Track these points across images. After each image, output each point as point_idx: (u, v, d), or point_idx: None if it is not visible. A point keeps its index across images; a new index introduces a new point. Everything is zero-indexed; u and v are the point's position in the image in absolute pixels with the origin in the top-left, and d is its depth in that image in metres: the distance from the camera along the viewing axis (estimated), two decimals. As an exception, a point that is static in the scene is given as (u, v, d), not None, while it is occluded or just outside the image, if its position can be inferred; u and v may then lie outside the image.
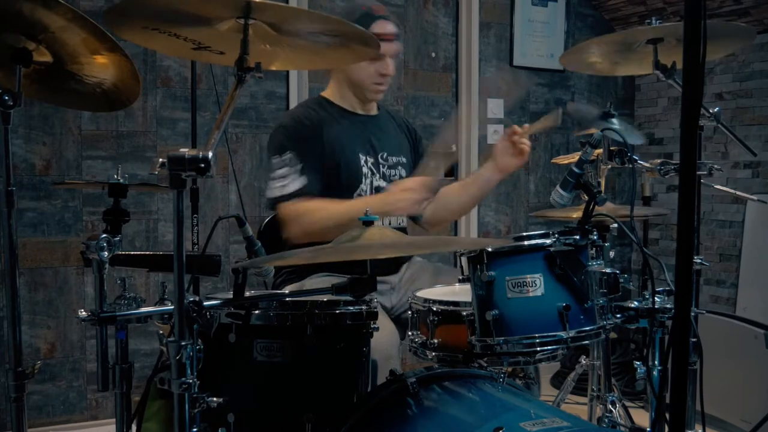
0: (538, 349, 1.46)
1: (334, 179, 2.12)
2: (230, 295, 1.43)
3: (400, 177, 2.23)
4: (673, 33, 1.80)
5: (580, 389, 2.74)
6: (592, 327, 1.47)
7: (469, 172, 3.88)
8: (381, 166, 2.22)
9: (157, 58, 3.11)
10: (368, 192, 2.16)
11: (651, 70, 1.85)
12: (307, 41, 1.47)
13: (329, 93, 2.27)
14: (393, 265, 2.22)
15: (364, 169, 2.17)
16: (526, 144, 2.10)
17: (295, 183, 2.04)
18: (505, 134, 2.13)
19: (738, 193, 2.62)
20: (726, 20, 3.59)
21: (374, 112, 2.31)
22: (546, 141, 4.13)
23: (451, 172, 3.95)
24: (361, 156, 2.18)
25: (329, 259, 1.92)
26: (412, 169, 2.27)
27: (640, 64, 1.97)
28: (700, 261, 1.89)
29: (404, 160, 2.28)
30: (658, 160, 1.90)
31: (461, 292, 1.76)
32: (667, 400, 1.01)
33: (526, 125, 2.12)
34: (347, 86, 2.22)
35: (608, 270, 1.52)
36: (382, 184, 2.20)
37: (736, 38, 1.99)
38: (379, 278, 2.06)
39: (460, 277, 1.70)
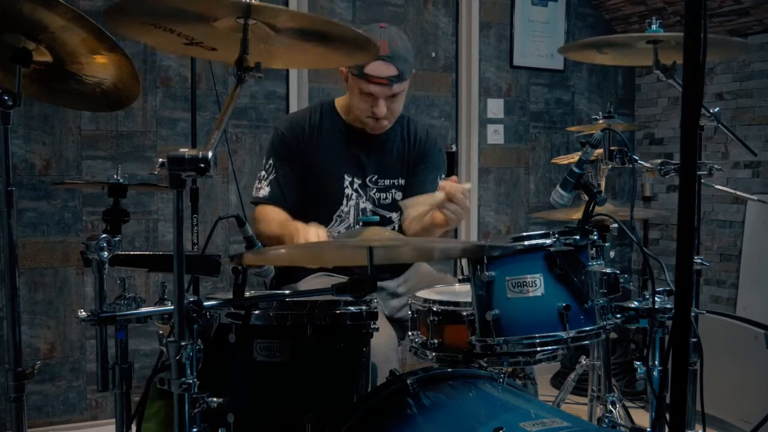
0: (539, 349, 1.46)
1: (316, 197, 2.13)
2: (230, 295, 1.42)
3: (393, 200, 2.20)
4: (672, 36, 1.80)
5: (580, 389, 2.74)
6: (592, 327, 1.47)
7: (469, 172, 3.88)
8: (369, 188, 2.18)
9: (157, 58, 3.11)
10: (351, 213, 2.16)
11: (651, 63, 1.84)
12: (305, 42, 1.47)
13: (340, 102, 2.23)
14: (391, 271, 2.21)
15: (348, 191, 2.16)
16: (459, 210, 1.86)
17: (264, 190, 2.15)
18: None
19: (738, 193, 2.62)
20: (726, 20, 3.59)
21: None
22: (546, 141, 4.13)
23: (452, 171, 3.95)
24: (346, 177, 2.16)
25: (328, 261, 1.93)
26: (410, 192, 2.19)
27: (640, 59, 1.97)
28: (700, 261, 1.88)
29: (401, 182, 2.22)
30: (659, 160, 1.90)
31: (461, 292, 1.76)
32: (668, 401, 1.01)
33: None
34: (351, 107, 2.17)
35: (608, 270, 1.52)
36: (369, 206, 2.18)
37: (733, 50, 1.98)
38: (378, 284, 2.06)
39: (460, 277, 1.70)
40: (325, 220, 2.12)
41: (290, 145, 2.14)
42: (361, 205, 2.17)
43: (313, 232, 1.84)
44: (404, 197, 2.20)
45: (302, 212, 2.10)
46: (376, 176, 2.19)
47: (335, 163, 2.16)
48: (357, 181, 2.17)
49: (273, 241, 2.02)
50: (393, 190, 2.22)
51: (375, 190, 2.19)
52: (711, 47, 1.87)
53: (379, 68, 2.00)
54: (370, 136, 2.19)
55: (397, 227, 2.22)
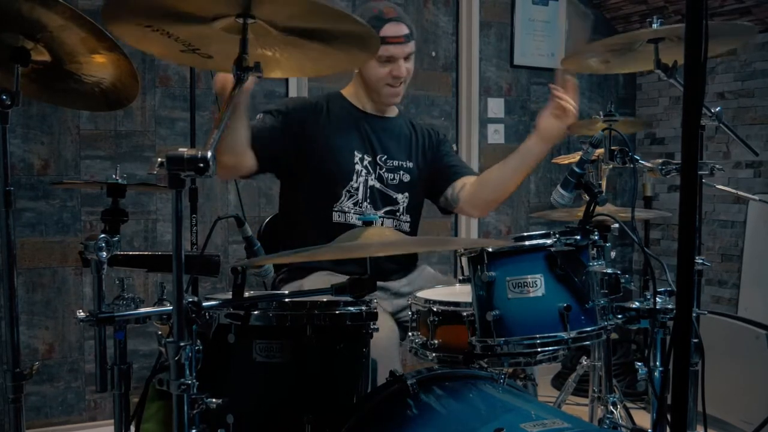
0: (539, 349, 1.46)
1: (326, 171, 2.14)
2: (229, 295, 1.42)
3: (401, 182, 2.24)
4: (674, 32, 1.79)
5: (581, 390, 2.73)
6: (593, 327, 1.47)
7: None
8: (378, 167, 2.21)
9: (156, 57, 3.11)
10: (360, 190, 2.17)
11: (652, 67, 1.83)
12: (305, 42, 1.45)
13: (346, 90, 2.29)
14: (395, 271, 2.22)
15: (358, 167, 2.18)
16: (567, 101, 1.96)
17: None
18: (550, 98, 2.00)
19: (740, 193, 2.61)
20: (727, 19, 3.58)
21: (390, 114, 2.29)
22: (546, 141, 4.12)
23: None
24: (356, 153, 2.18)
25: (328, 257, 1.93)
26: (418, 176, 2.28)
27: (641, 62, 1.96)
28: (701, 261, 1.88)
29: (410, 165, 2.26)
30: (660, 160, 1.89)
31: (461, 293, 1.75)
32: (669, 401, 1.00)
33: (566, 76, 1.96)
34: (363, 88, 2.23)
35: (609, 270, 1.52)
36: (377, 185, 2.20)
37: (737, 37, 1.97)
38: (381, 284, 2.07)
39: (461, 278, 1.69)
40: (334, 195, 2.16)
41: (292, 116, 2.15)
42: (370, 183, 2.19)
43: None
44: (430, 180, 2.29)
45: (313, 188, 2.16)
46: (386, 156, 2.23)
47: (345, 140, 2.19)
48: (367, 158, 2.20)
49: (224, 141, 1.89)
50: (401, 172, 2.25)
51: (384, 169, 2.23)
52: (717, 37, 1.86)
53: (393, 29, 2.11)
54: (380, 119, 2.26)
55: (402, 208, 2.25)
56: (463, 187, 2.26)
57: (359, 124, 2.23)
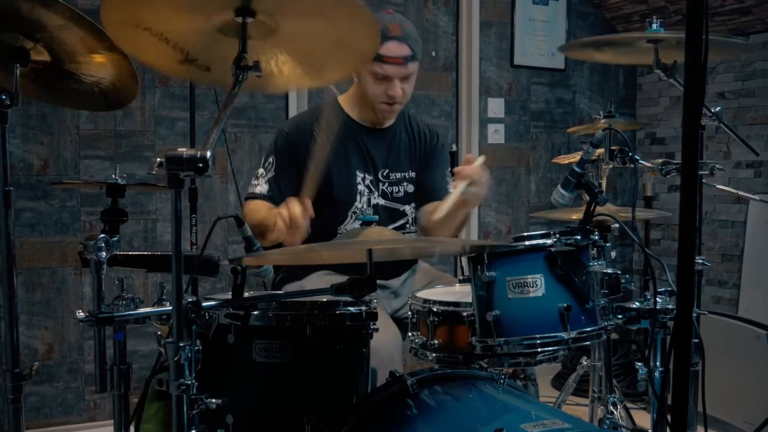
0: (539, 350, 1.46)
1: (330, 196, 2.11)
2: (229, 295, 1.42)
3: (405, 193, 2.22)
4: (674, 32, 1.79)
5: (581, 390, 2.73)
6: (593, 328, 1.47)
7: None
8: (381, 183, 2.19)
9: (157, 57, 3.10)
10: (364, 210, 2.16)
11: (651, 62, 1.83)
12: (303, 44, 1.45)
13: (344, 99, 2.24)
14: (394, 270, 2.21)
15: (360, 187, 2.16)
16: (468, 186, 1.85)
17: (261, 187, 2.12)
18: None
19: (740, 193, 2.61)
20: (728, 19, 3.58)
21: (387, 123, 2.23)
22: (547, 141, 4.12)
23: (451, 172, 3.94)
24: (358, 174, 2.16)
25: (326, 255, 1.93)
26: (418, 182, 2.24)
27: (641, 58, 1.95)
28: (702, 261, 1.88)
29: (412, 174, 2.24)
30: (660, 160, 1.89)
31: (461, 293, 1.75)
32: (669, 402, 1.00)
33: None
34: (361, 99, 2.18)
35: (609, 270, 1.51)
36: (381, 201, 2.19)
37: (733, 50, 1.97)
38: (380, 282, 2.06)
39: (461, 278, 1.69)
40: (340, 219, 2.14)
41: (296, 147, 2.10)
42: (373, 201, 2.17)
43: (292, 210, 1.77)
44: (416, 192, 2.23)
45: (316, 212, 2.10)
46: (387, 170, 2.21)
47: (347, 161, 2.16)
48: (368, 177, 2.18)
49: (255, 229, 1.90)
50: (404, 183, 2.23)
51: (387, 184, 2.20)
52: (711, 47, 1.87)
53: (393, 49, 2.04)
54: (377, 131, 2.22)
55: (411, 219, 2.23)
56: (423, 214, 2.22)
57: (358, 140, 2.18)
